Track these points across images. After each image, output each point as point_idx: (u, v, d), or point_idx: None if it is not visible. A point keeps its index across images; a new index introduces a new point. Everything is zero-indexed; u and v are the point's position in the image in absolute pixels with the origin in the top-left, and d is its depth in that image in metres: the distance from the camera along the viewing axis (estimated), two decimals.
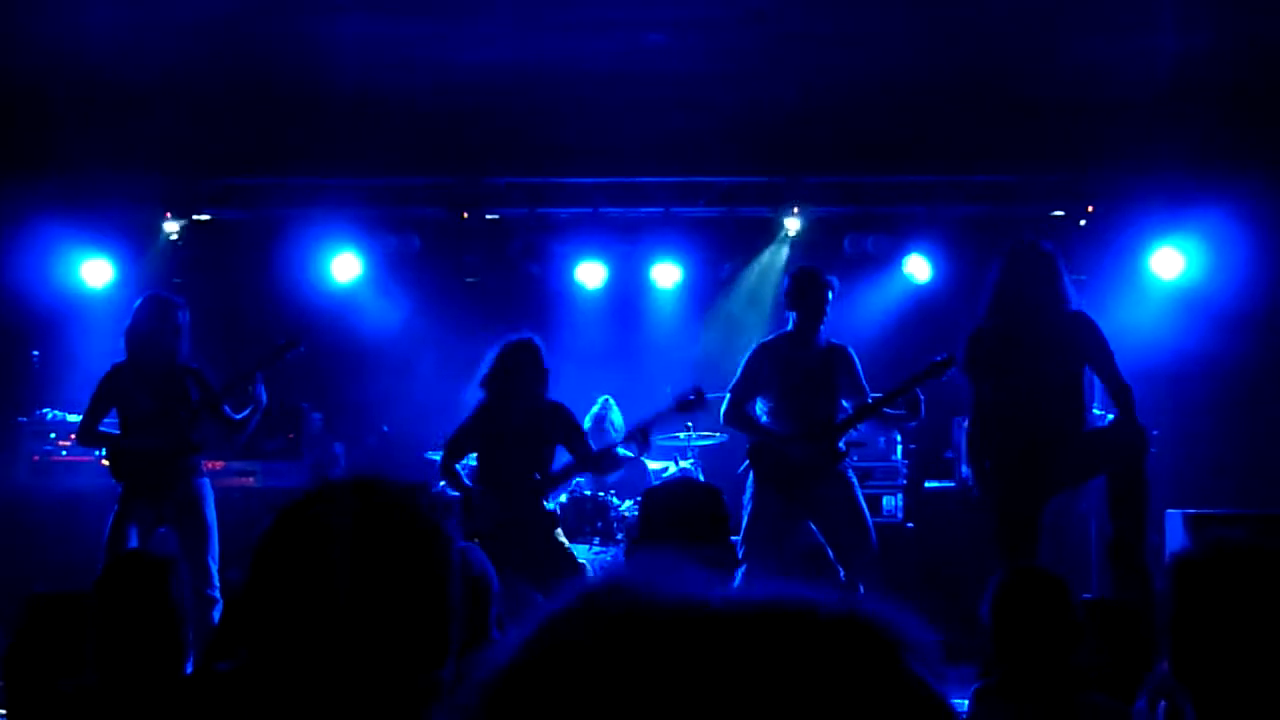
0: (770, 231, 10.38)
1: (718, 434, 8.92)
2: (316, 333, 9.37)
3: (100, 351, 8.38)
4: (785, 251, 10.25)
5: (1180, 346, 9.29)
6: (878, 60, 8.84)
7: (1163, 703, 3.48)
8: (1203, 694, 2.26)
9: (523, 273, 10.64)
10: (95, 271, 10.15)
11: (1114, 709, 3.27)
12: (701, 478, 8.77)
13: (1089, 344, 6.66)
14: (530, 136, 9.78)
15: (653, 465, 9.39)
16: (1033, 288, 6.67)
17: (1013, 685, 3.29)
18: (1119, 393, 6.61)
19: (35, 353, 9.66)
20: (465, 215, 10.35)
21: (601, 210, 10.40)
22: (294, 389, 9.22)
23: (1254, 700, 2.19)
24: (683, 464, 9.26)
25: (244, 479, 9.02)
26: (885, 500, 8.95)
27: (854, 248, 10.24)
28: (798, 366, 7.39)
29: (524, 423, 7.20)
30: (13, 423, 9.35)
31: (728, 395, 7.49)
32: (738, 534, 7.07)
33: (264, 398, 7.63)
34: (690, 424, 8.73)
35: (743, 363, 7.52)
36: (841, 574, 7.32)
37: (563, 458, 7.36)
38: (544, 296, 10.61)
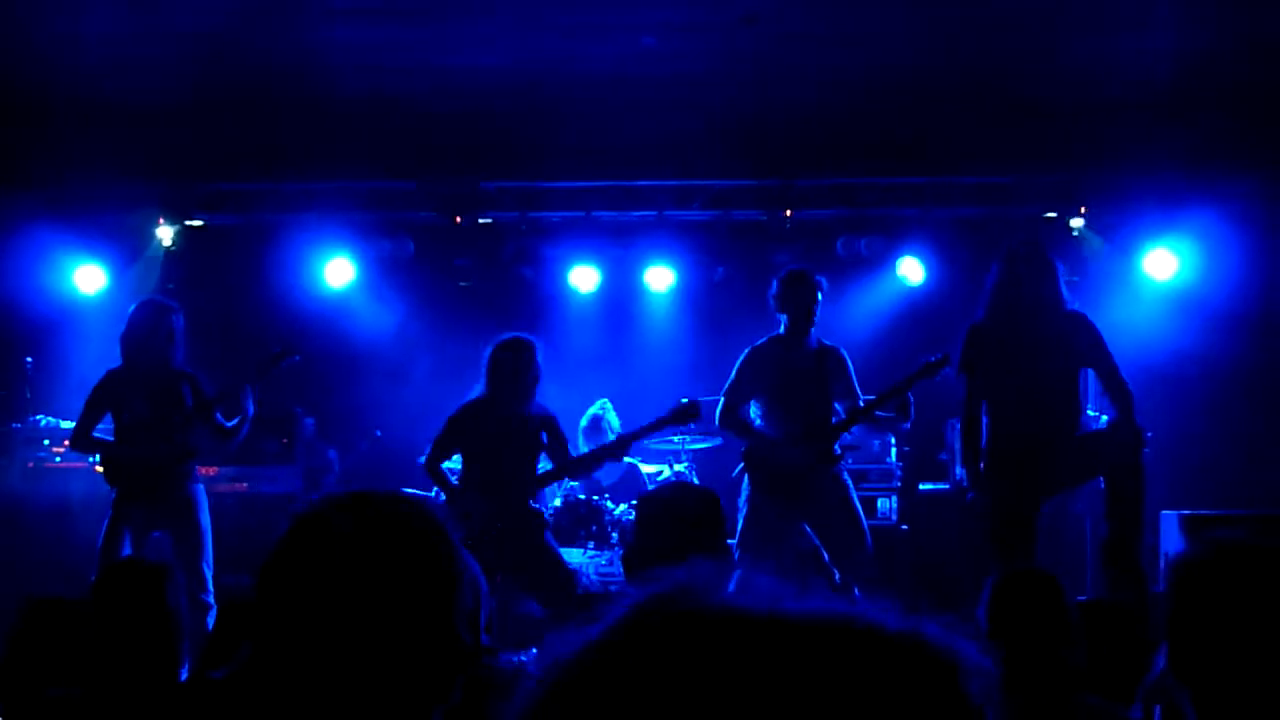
0: (763, 234, 10.37)
1: (712, 438, 8.92)
2: (310, 338, 9.37)
3: (94, 357, 8.38)
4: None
5: (1174, 347, 9.30)
6: (871, 62, 8.85)
7: (1158, 706, 3.48)
8: (1202, 693, 2.26)
9: (516, 277, 10.64)
10: (89, 277, 10.15)
11: (1109, 711, 3.27)
12: (696, 481, 8.78)
13: (1088, 345, 6.68)
14: (523, 140, 9.78)
15: (647, 469, 9.40)
16: (1030, 289, 6.68)
17: (1008, 687, 3.29)
18: (1119, 394, 6.61)
19: (29, 359, 9.63)
20: (458, 219, 10.34)
21: (594, 214, 10.40)
22: (287, 394, 9.21)
23: (1254, 700, 2.19)
24: (677, 468, 9.26)
25: (237, 485, 9.01)
26: (880, 502, 8.96)
27: (847, 250, 10.25)
28: (790, 369, 7.39)
29: (514, 425, 7.17)
30: (7, 429, 9.33)
31: (721, 399, 7.48)
32: (733, 537, 7.07)
33: (251, 409, 7.63)
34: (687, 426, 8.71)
35: (735, 366, 7.52)
36: (837, 576, 7.32)
37: (545, 463, 7.36)
38: (537, 300, 10.62)
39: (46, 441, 9.19)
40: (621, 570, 8.16)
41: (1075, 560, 8.40)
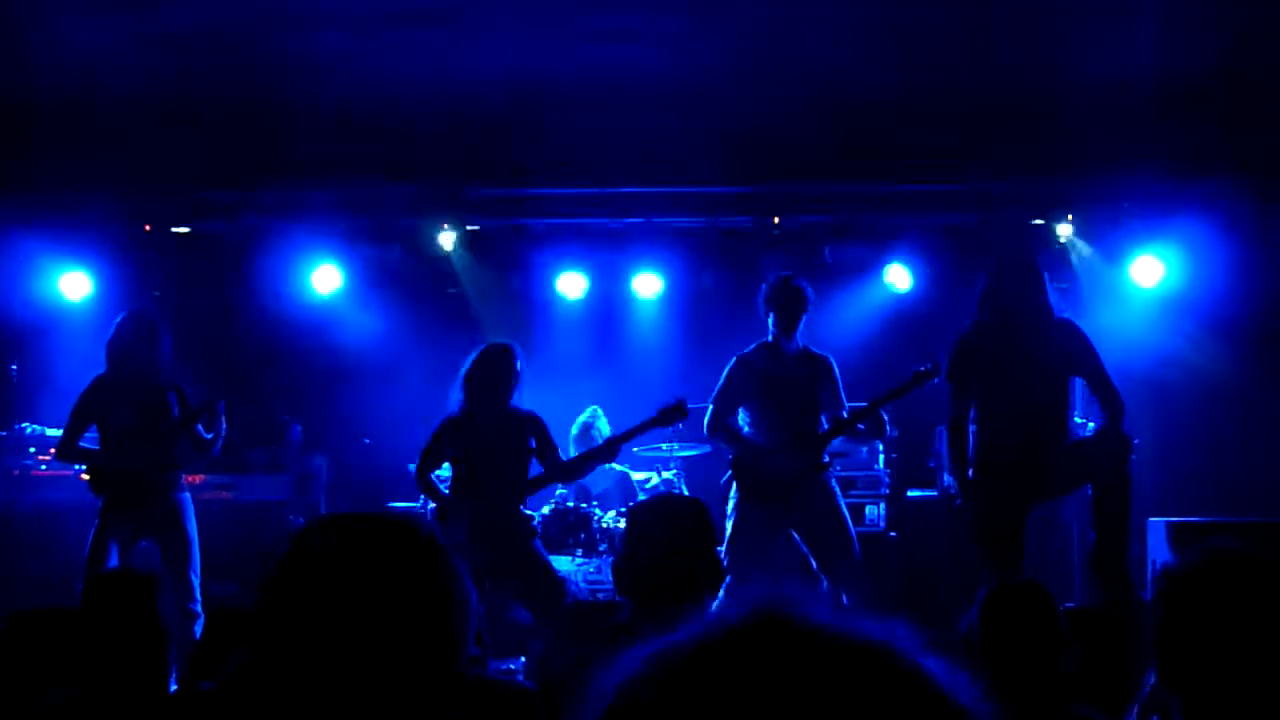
0: (751, 241, 10.38)
1: (700, 445, 8.92)
2: (297, 345, 9.37)
3: (79, 365, 8.36)
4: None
5: (1161, 354, 9.33)
6: (860, 71, 8.86)
7: (1155, 717, 3.49)
8: (1191, 701, 2.26)
9: (504, 283, 10.63)
10: (74, 284, 10.12)
11: None
12: (685, 488, 8.78)
13: (1078, 354, 6.69)
14: (510, 146, 9.77)
15: (636, 476, 9.39)
16: (1019, 299, 6.70)
17: (1000, 699, 3.29)
18: (1109, 402, 6.63)
19: (14, 366, 9.61)
20: (446, 226, 10.33)
21: (582, 221, 10.40)
22: (275, 402, 9.20)
23: (1243, 708, 2.20)
24: (665, 475, 9.26)
25: (224, 492, 8.99)
26: (868, 509, 8.96)
27: (835, 257, 10.26)
28: (777, 376, 7.40)
29: (500, 431, 7.16)
30: None
31: (710, 407, 7.49)
32: (722, 545, 7.08)
33: (224, 426, 7.63)
34: (678, 428, 8.70)
35: (723, 374, 7.52)
36: (825, 584, 7.33)
37: (535, 468, 7.35)
38: (525, 307, 10.62)
39: (32, 449, 9.16)
40: (610, 578, 8.17)
41: (1062, 566, 8.42)
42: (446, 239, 10.22)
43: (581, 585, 8.28)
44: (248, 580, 7.73)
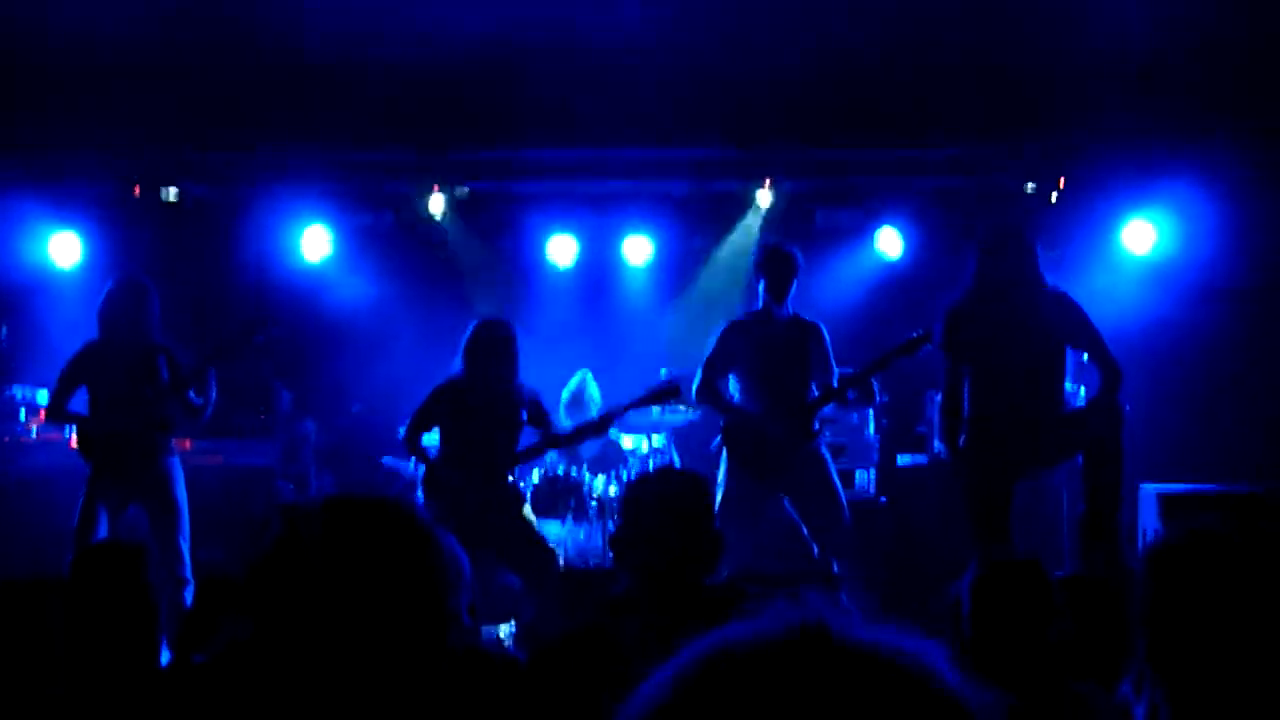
0: (742, 206, 10.35)
1: (691, 411, 8.92)
2: (287, 310, 9.33)
3: (69, 329, 8.32)
4: (757, 226, 10.21)
5: (1153, 320, 9.31)
6: (851, 34, 8.83)
7: (1147, 686, 3.49)
8: (1177, 682, 2.26)
9: (494, 248, 10.60)
10: (63, 247, 10.06)
11: (1094, 696, 3.28)
12: (675, 455, 8.78)
13: (1072, 325, 6.68)
14: (501, 110, 9.71)
15: (626, 444, 9.39)
16: (1010, 269, 6.68)
17: (991, 673, 3.30)
18: (1106, 372, 6.62)
19: (3, 329, 9.56)
20: (436, 189, 10.29)
21: (572, 185, 10.36)
22: (265, 367, 9.17)
23: (1227, 689, 2.20)
24: (655, 441, 9.26)
25: (214, 458, 8.96)
26: (858, 475, 8.96)
27: (826, 222, 10.24)
28: (768, 343, 7.39)
29: (495, 401, 7.17)
30: None
31: (699, 372, 7.48)
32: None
33: (214, 393, 7.61)
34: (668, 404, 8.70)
35: (713, 339, 7.51)
36: (815, 551, 7.34)
37: (527, 439, 7.36)
38: (515, 271, 10.59)
39: (22, 414, 9.12)
40: (601, 545, 8.18)
41: (1052, 534, 8.43)
42: (435, 203, 10.17)
43: (572, 552, 8.29)
44: (236, 546, 7.72)
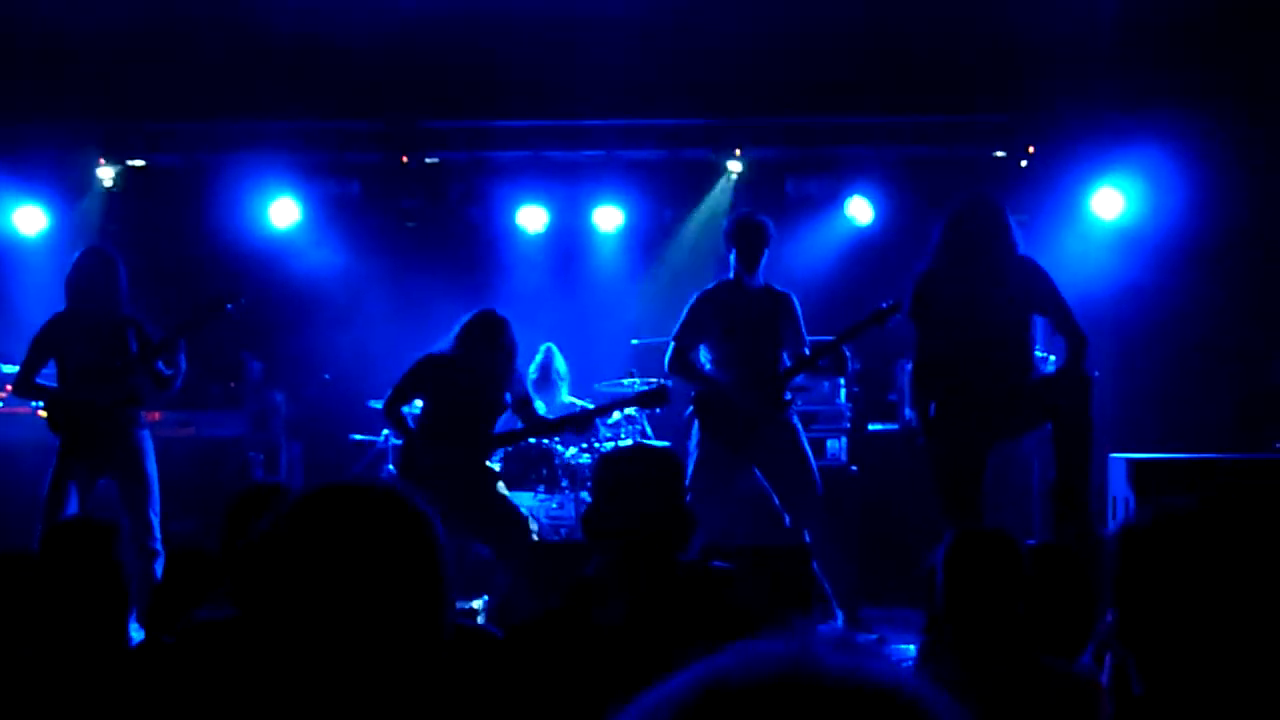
0: (713, 174, 10.33)
1: (661, 381, 8.91)
2: (255, 280, 9.28)
3: (36, 301, 8.26)
4: (728, 195, 10.20)
5: (1122, 286, 9.36)
6: (821, 2, 8.81)
7: (1109, 655, 3.52)
8: (1148, 656, 2.28)
9: (463, 217, 10.56)
10: (28, 219, 9.98)
11: (1061, 670, 3.30)
12: (647, 425, 8.78)
13: (1039, 291, 6.70)
14: (470, 79, 9.67)
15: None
16: (980, 238, 6.69)
17: (963, 646, 3.32)
18: (1071, 339, 6.64)
19: None
20: (405, 159, 10.23)
21: (542, 154, 10.32)
22: (233, 337, 9.13)
23: (1199, 663, 2.22)
24: (627, 410, 9.25)
25: (184, 429, 8.93)
26: (829, 444, 8.98)
27: (796, 190, 10.24)
28: (740, 312, 7.39)
29: (484, 383, 7.14)
30: None
31: (671, 343, 7.47)
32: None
33: (184, 364, 7.56)
34: (633, 371, 8.70)
35: (685, 310, 7.51)
36: (787, 520, 7.37)
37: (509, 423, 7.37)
38: (485, 241, 10.55)
39: None
40: (573, 515, 8.19)
41: (1023, 502, 8.49)
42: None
43: (544, 521, 8.29)
44: (206, 517, 7.69)
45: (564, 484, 8.49)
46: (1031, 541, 5.22)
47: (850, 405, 9.18)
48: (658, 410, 7.60)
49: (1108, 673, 3.47)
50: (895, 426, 9.13)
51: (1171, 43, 9.07)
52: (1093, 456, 6.66)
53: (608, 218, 10.35)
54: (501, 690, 2.93)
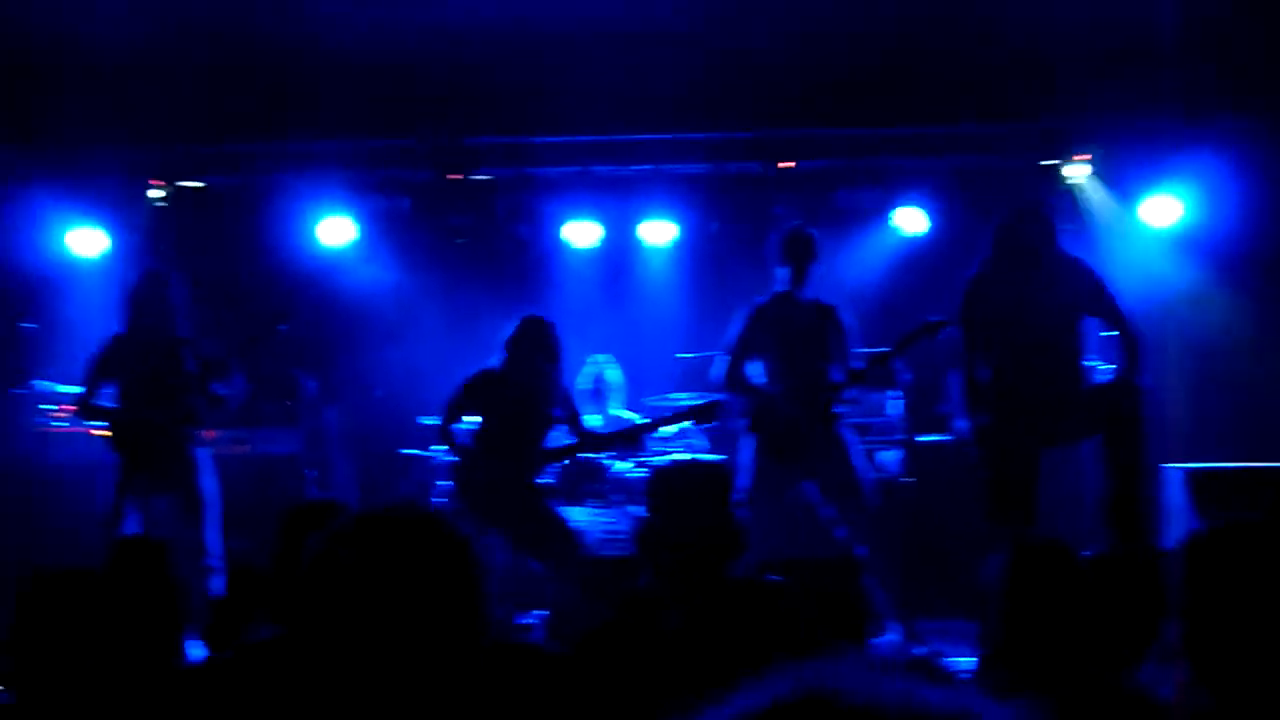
0: (762, 187, 10.31)
1: (713, 395, 8.89)
2: (308, 298, 9.36)
3: (94, 322, 8.37)
4: (778, 207, 10.18)
5: (1176, 296, 9.27)
6: (869, 12, 8.80)
7: (1175, 669, 3.49)
8: (1214, 670, 2.27)
9: (511, 233, 10.60)
10: (85, 240, 10.10)
11: (1126, 689, 3.27)
12: (704, 440, 8.78)
13: (1089, 294, 6.67)
14: (517, 95, 9.70)
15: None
16: (1031, 244, 6.67)
17: (1023, 661, 3.30)
18: (1125, 342, 6.61)
19: (31, 324, 9.61)
20: (453, 176, 10.28)
21: (590, 169, 10.34)
22: (288, 356, 9.21)
23: (1267, 683, 2.20)
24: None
25: (239, 447, 9.00)
26: (882, 456, 8.95)
27: (846, 202, 10.22)
28: (790, 326, 7.40)
29: (533, 395, 7.20)
30: (6, 395, 9.31)
31: (725, 359, 7.49)
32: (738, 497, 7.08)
33: (239, 384, 7.65)
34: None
35: (737, 325, 7.52)
36: (838, 533, 7.34)
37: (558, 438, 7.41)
38: (534, 257, 10.58)
39: (49, 406, 9.17)
40: (625, 529, 8.19)
41: (1076, 511, 8.41)
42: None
43: (596, 535, 8.30)
44: (261, 534, 7.75)
45: (616, 498, 8.50)
46: (1086, 552, 5.19)
47: (902, 417, 9.14)
48: (710, 423, 7.59)
49: (1174, 687, 3.44)
50: (947, 438, 9.07)
51: (1226, 49, 8.99)
52: (1146, 466, 6.60)
53: (656, 232, 10.35)
54: (550, 704, 2.94)
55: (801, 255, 7.41)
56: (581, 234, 10.35)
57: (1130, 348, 6.61)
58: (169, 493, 7.57)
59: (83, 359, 7.78)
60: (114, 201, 10.10)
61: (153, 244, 9.93)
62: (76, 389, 7.84)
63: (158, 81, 9.07)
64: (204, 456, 7.63)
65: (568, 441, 7.40)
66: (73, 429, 8.88)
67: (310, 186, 10.04)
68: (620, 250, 10.56)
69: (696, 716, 0.99)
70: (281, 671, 2.68)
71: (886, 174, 10.18)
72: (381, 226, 10.35)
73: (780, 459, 7.28)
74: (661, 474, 3.62)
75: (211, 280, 9.44)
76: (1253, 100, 9.27)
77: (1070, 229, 9.21)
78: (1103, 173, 9.89)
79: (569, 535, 7.16)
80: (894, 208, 10.08)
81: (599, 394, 8.96)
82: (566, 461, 8.54)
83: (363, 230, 10.26)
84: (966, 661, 6.42)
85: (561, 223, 10.37)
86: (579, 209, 10.34)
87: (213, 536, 7.49)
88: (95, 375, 7.66)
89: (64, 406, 8.90)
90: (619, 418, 8.91)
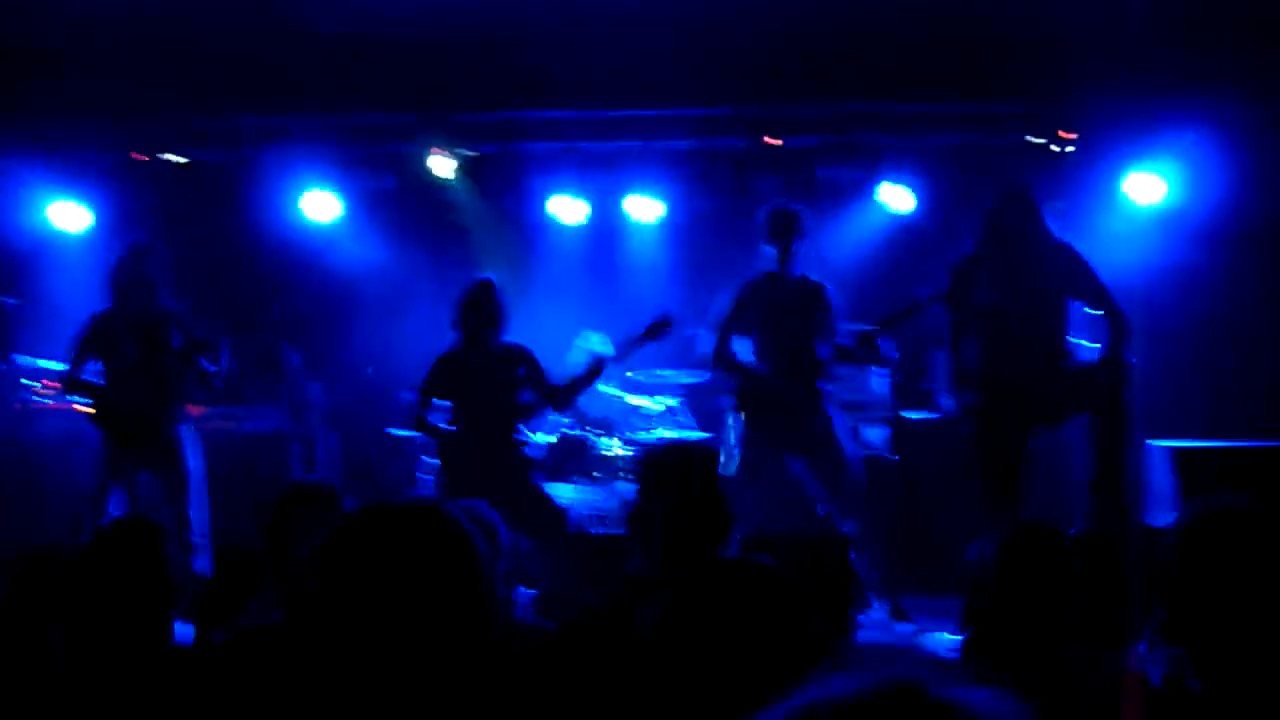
0: (748, 163, 10.29)
1: (701, 372, 8.90)
2: (295, 273, 9.34)
3: (77, 297, 8.34)
4: (762, 183, 10.16)
5: (1161, 272, 9.30)
6: None
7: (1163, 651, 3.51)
8: (1202, 651, 2.29)
9: (499, 209, 10.57)
10: (69, 215, 10.06)
11: (1108, 667, 3.30)
12: (690, 415, 8.79)
13: (1076, 276, 6.70)
14: (504, 70, 9.67)
15: (636, 401, 9.38)
16: (1016, 228, 6.69)
17: (1011, 641, 3.32)
18: (1111, 323, 6.64)
19: (11, 300, 9.57)
20: (436, 152, 10.23)
21: (577, 145, 10.31)
22: (273, 330, 9.20)
23: (1255, 666, 2.22)
24: (668, 401, 9.27)
25: (224, 423, 8.99)
26: (868, 432, 8.97)
27: (831, 178, 10.21)
28: (778, 304, 7.41)
29: (489, 366, 7.19)
30: None
31: (713, 338, 7.49)
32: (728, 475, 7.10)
33: (226, 362, 7.62)
34: (667, 342, 8.63)
35: (725, 303, 7.52)
36: (824, 510, 7.37)
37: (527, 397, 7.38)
38: (521, 233, 10.57)
39: (29, 381, 9.14)
40: (613, 506, 8.21)
41: (1063, 489, 8.44)
42: (439, 164, 10.11)
43: (583, 512, 8.32)
44: (247, 511, 7.75)
45: (602, 475, 8.51)
46: (1072, 530, 5.22)
47: (889, 394, 9.16)
48: (666, 338, 7.51)
49: (1161, 668, 3.47)
50: (934, 415, 9.09)
51: (1209, 25, 8.99)
52: (1131, 444, 6.64)
53: (643, 208, 10.34)
54: (550, 689, 2.96)
55: (787, 233, 7.41)
56: (568, 210, 10.32)
57: (1115, 327, 6.64)
58: (153, 470, 7.55)
59: (66, 334, 7.75)
60: (97, 175, 10.05)
61: (137, 217, 9.87)
62: (60, 365, 7.81)
63: (141, 55, 9.02)
64: (189, 433, 7.62)
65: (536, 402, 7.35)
66: (56, 405, 8.86)
67: (296, 162, 10.00)
68: (608, 225, 10.54)
69: (782, 705, 1.01)
70: (286, 659, 2.69)
71: (872, 150, 10.16)
72: (369, 202, 10.32)
73: (768, 437, 7.30)
74: (649, 454, 3.63)
75: (198, 255, 9.41)
76: (1236, 77, 9.27)
77: (1058, 205, 9.24)
78: (1089, 150, 9.87)
79: (555, 510, 7.17)
80: (879, 184, 10.06)
81: None
82: (554, 434, 8.55)
83: (350, 206, 10.23)
84: (950, 639, 6.47)
85: (549, 198, 10.35)
86: (565, 185, 10.31)
87: (198, 514, 7.48)
88: (80, 351, 7.63)
89: (47, 382, 8.88)
90: (607, 395, 8.90)
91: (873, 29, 9.21)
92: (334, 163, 10.08)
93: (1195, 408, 8.79)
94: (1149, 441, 7.55)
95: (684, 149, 10.35)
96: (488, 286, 7.28)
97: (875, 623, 7.18)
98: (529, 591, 7.37)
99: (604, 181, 10.34)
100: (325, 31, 8.98)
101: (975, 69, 9.43)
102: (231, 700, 3.01)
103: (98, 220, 10.04)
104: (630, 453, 8.59)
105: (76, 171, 9.97)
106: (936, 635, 6.82)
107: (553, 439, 8.61)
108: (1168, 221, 9.66)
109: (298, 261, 9.95)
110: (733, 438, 7.37)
